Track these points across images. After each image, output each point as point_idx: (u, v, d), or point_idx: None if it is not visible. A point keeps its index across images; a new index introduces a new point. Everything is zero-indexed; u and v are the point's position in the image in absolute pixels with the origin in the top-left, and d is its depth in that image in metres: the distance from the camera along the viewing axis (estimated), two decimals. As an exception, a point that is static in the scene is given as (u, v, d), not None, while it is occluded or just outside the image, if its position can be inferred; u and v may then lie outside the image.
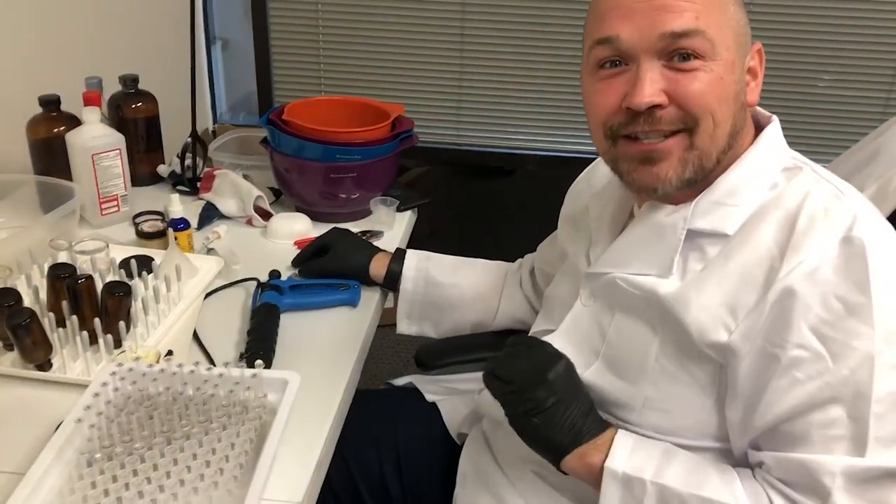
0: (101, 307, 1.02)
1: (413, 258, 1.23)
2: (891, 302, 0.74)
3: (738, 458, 0.84)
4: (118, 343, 1.01)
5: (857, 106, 2.20)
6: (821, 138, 2.25)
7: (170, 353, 1.02)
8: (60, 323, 1.01)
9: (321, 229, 1.32)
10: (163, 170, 1.55)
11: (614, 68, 0.82)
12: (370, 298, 1.21)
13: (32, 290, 1.07)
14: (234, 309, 1.16)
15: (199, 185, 1.48)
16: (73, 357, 1.00)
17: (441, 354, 1.24)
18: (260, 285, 1.17)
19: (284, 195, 1.48)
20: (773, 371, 0.77)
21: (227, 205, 1.42)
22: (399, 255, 1.23)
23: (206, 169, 1.51)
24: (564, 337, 0.95)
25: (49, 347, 0.98)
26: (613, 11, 0.80)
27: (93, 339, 1.00)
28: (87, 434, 0.81)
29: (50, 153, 1.37)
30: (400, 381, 1.25)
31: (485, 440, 1.05)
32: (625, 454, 0.82)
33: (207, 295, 1.18)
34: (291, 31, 2.32)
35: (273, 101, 2.41)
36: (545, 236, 1.20)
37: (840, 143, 2.20)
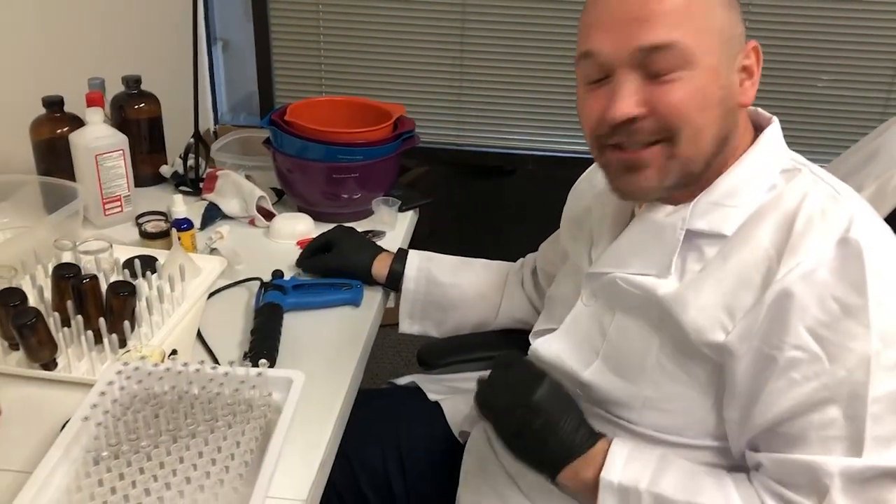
0: (105, 307, 1.03)
1: (415, 258, 1.23)
2: (887, 303, 0.75)
3: (736, 458, 0.85)
4: (123, 343, 1.02)
5: (856, 106, 2.21)
6: (820, 138, 2.26)
7: (174, 352, 1.03)
8: (65, 323, 1.01)
9: (323, 229, 1.32)
10: (165, 170, 1.55)
11: (598, 81, 0.83)
12: (372, 298, 1.22)
13: (37, 290, 1.07)
14: (237, 308, 1.17)
15: (201, 185, 1.49)
16: (77, 356, 1.00)
17: (443, 353, 1.25)
18: (263, 285, 1.18)
19: (287, 195, 1.49)
20: (771, 372, 0.78)
21: (229, 205, 1.43)
22: (401, 256, 1.24)
23: (208, 169, 1.52)
24: (565, 336, 0.96)
25: (54, 347, 0.99)
26: (593, 26, 0.82)
27: (97, 339, 1.00)
28: (93, 432, 0.81)
29: (53, 154, 1.38)
30: (402, 381, 1.26)
31: (487, 439, 1.06)
32: (620, 465, 0.83)
33: (211, 295, 1.19)
34: (292, 31, 2.33)
35: (274, 102, 2.42)
36: (545, 236, 1.21)
37: (839, 143, 2.20)
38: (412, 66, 2.33)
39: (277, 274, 1.21)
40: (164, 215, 1.36)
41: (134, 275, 1.14)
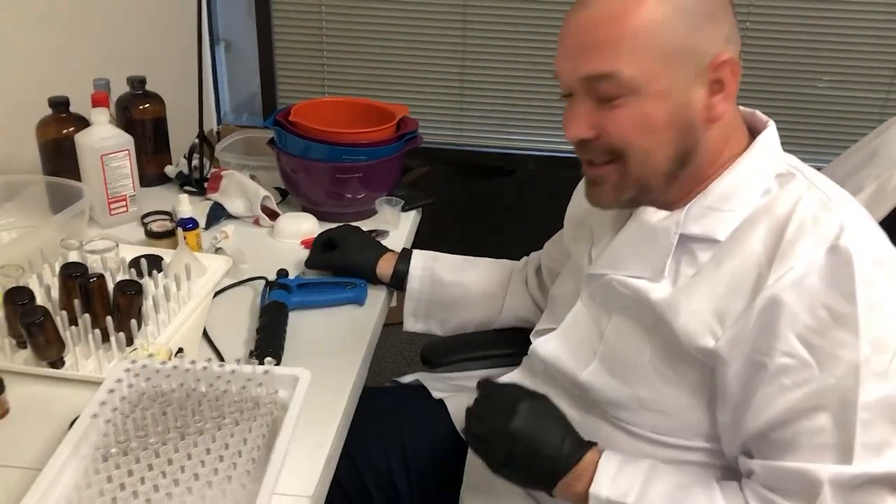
0: (112, 305, 1.04)
1: (419, 258, 1.24)
2: (878, 310, 0.75)
3: (730, 460, 0.86)
4: (130, 341, 1.02)
5: (856, 106, 2.22)
6: (820, 139, 2.26)
7: (180, 350, 1.04)
8: (72, 321, 1.02)
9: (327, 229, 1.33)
10: (170, 170, 1.56)
11: (568, 96, 0.87)
12: (376, 297, 1.22)
13: (44, 289, 1.08)
14: (242, 307, 1.18)
15: (206, 185, 1.50)
16: (85, 355, 1.01)
17: (447, 352, 1.25)
18: (268, 284, 1.19)
19: (291, 195, 1.50)
20: (761, 378, 0.78)
21: (234, 205, 1.44)
22: (405, 255, 1.24)
23: (212, 169, 1.53)
24: (564, 336, 0.97)
25: (62, 345, 0.99)
26: (558, 49, 0.86)
27: (104, 338, 1.01)
28: (102, 429, 0.82)
29: (59, 154, 1.38)
30: (406, 379, 1.27)
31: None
32: (608, 479, 0.84)
33: (216, 294, 1.20)
34: (295, 32, 2.34)
35: (277, 103, 2.42)
36: (545, 236, 1.22)
37: (839, 144, 2.21)
38: (414, 67, 2.33)
39: (282, 273, 1.22)
40: (170, 215, 1.37)
41: (140, 274, 1.15)
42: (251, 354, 1.03)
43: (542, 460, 0.85)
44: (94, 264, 1.14)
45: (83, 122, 1.39)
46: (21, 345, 1.01)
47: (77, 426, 0.83)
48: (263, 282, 1.20)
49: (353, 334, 1.13)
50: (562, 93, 0.88)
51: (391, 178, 1.47)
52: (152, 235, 1.31)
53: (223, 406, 0.86)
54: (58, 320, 1.00)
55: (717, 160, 0.86)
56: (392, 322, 1.26)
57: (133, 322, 1.02)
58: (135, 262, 1.17)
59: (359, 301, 1.20)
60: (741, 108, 0.90)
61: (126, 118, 1.50)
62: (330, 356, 1.07)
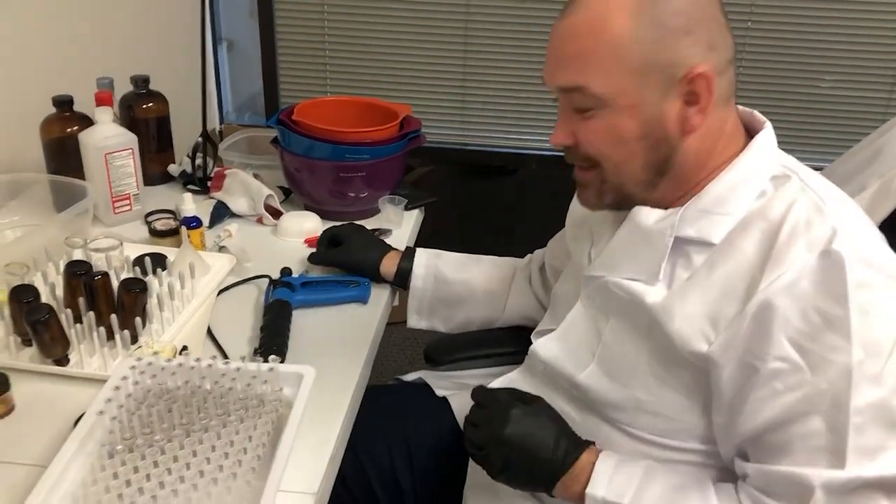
0: (117, 303, 1.04)
1: (423, 256, 1.24)
2: (870, 315, 0.75)
3: (727, 462, 0.86)
4: (134, 339, 1.03)
5: (859, 106, 2.22)
6: (823, 138, 2.26)
7: (185, 348, 1.04)
8: (77, 319, 1.02)
9: (330, 228, 1.33)
10: (173, 169, 1.56)
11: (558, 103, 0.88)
12: (380, 295, 1.23)
13: (49, 287, 1.08)
14: (246, 306, 1.18)
15: (209, 184, 1.50)
16: (89, 352, 1.01)
17: (450, 350, 1.26)
18: (272, 282, 1.19)
19: (294, 194, 1.50)
20: (754, 382, 0.79)
21: (237, 203, 1.44)
22: (409, 254, 1.25)
23: (216, 168, 1.53)
24: (563, 337, 0.98)
25: (67, 343, 1.00)
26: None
27: (109, 335, 1.01)
28: (108, 426, 0.82)
29: (63, 152, 1.38)
30: (409, 377, 1.27)
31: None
32: (605, 480, 0.84)
33: (220, 292, 1.20)
34: (297, 32, 2.34)
35: (279, 102, 2.43)
36: (547, 235, 1.22)
37: (842, 143, 2.21)
38: (416, 67, 2.34)
39: (286, 271, 1.22)
40: (173, 214, 1.37)
41: (144, 272, 1.15)
42: (255, 352, 1.04)
43: (538, 464, 0.86)
44: (99, 262, 1.14)
45: (87, 121, 1.39)
46: (26, 342, 1.02)
47: (83, 423, 0.84)
48: (267, 280, 1.21)
49: (356, 332, 1.13)
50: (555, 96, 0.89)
51: (394, 177, 1.47)
52: (156, 234, 1.32)
53: (228, 403, 0.86)
54: (62, 318, 1.00)
55: (707, 164, 0.86)
56: (394, 321, 1.26)
57: (137, 320, 1.03)
58: (139, 261, 1.17)
59: (362, 299, 1.20)
60: (739, 107, 0.90)
61: (129, 117, 1.50)
62: (333, 354, 1.07)
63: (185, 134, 1.61)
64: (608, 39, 0.80)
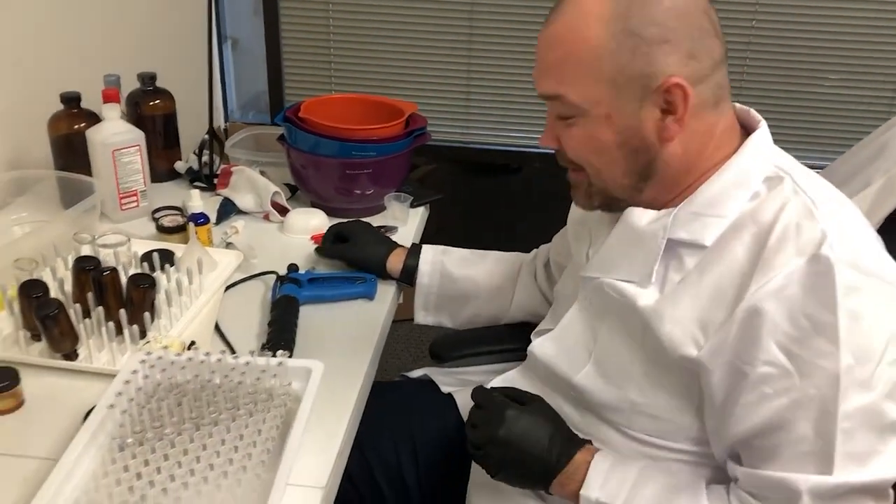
0: (125, 299, 1.05)
1: (429, 252, 1.25)
2: (859, 320, 0.75)
3: (720, 463, 0.87)
4: (143, 334, 1.03)
5: (863, 105, 2.22)
6: (827, 138, 2.26)
7: (193, 343, 1.05)
8: (86, 314, 1.03)
9: (336, 226, 1.34)
10: (180, 166, 1.57)
11: None
12: (386, 292, 1.23)
13: (58, 283, 1.09)
14: (253, 302, 1.19)
15: (216, 181, 1.50)
16: (98, 347, 1.02)
17: (455, 346, 1.27)
18: (279, 278, 1.20)
19: (300, 191, 1.51)
20: (743, 387, 0.79)
21: (244, 200, 1.45)
22: (415, 250, 1.25)
23: (222, 165, 1.54)
24: (560, 338, 0.98)
25: (76, 338, 1.00)
26: None
27: (118, 330, 1.02)
28: (118, 420, 0.83)
29: (71, 149, 1.39)
30: (415, 374, 1.28)
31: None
32: (599, 481, 0.85)
33: (227, 288, 1.21)
34: (302, 30, 2.35)
35: (284, 100, 2.43)
36: (551, 233, 1.22)
37: (846, 143, 2.21)
38: (420, 65, 2.34)
39: (293, 267, 1.23)
40: (180, 210, 1.37)
41: (152, 268, 1.16)
42: (263, 347, 1.04)
43: (533, 463, 0.87)
44: (107, 258, 1.15)
45: (94, 118, 1.40)
46: (35, 337, 1.02)
47: (94, 416, 0.84)
48: (274, 276, 1.21)
49: (363, 328, 1.14)
50: None
51: (400, 175, 1.48)
52: (163, 230, 1.32)
53: (238, 397, 0.86)
54: (71, 313, 1.00)
55: (698, 166, 0.86)
56: (399, 318, 1.27)
57: (146, 315, 1.03)
58: (147, 257, 1.18)
59: (369, 296, 1.20)
60: (737, 105, 0.90)
61: (136, 114, 1.51)
62: (340, 350, 1.08)
63: (190, 132, 1.61)
64: (583, 49, 0.81)
